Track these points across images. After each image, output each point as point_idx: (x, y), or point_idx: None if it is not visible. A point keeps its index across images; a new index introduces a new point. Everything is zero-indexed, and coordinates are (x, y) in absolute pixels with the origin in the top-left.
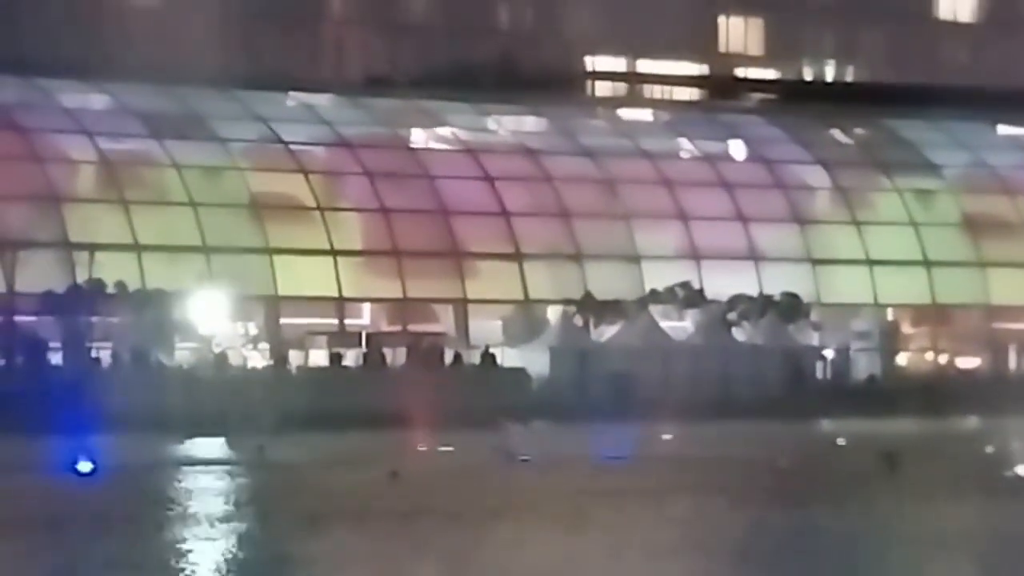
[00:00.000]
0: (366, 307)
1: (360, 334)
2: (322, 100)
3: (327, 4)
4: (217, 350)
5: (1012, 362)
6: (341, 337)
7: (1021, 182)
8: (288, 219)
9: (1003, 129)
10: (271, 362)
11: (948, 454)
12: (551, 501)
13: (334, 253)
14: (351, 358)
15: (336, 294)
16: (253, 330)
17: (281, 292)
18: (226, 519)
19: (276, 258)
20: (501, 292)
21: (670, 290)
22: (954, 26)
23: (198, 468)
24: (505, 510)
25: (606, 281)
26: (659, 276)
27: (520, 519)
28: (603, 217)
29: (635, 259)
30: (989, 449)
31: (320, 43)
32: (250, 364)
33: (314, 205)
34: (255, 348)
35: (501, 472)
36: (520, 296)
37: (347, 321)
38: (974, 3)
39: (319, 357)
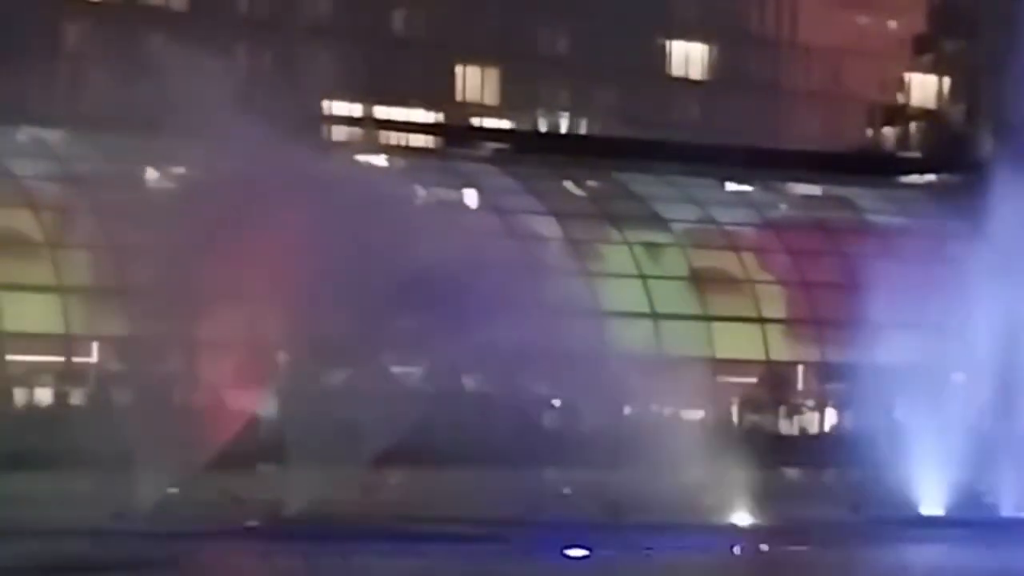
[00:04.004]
0: (96, 345)
1: (88, 373)
2: (55, 136)
3: (63, 40)
4: None
5: (734, 415)
6: (68, 376)
7: (746, 238)
8: (14, 254)
9: (730, 186)
10: None
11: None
12: None
13: (62, 290)
14: (78, 397)
15: (63, 331)
16: None
17: (7, 328)
18: None
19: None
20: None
21: None
22: (686, 83)
23: None
24: None
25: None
26: None
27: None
28: None
29: None
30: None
31: (55, 79)
32: None
33: (42, 240)
34: None
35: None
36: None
37: (75, 359)
38: (705, 62)
39: (45, 396)
